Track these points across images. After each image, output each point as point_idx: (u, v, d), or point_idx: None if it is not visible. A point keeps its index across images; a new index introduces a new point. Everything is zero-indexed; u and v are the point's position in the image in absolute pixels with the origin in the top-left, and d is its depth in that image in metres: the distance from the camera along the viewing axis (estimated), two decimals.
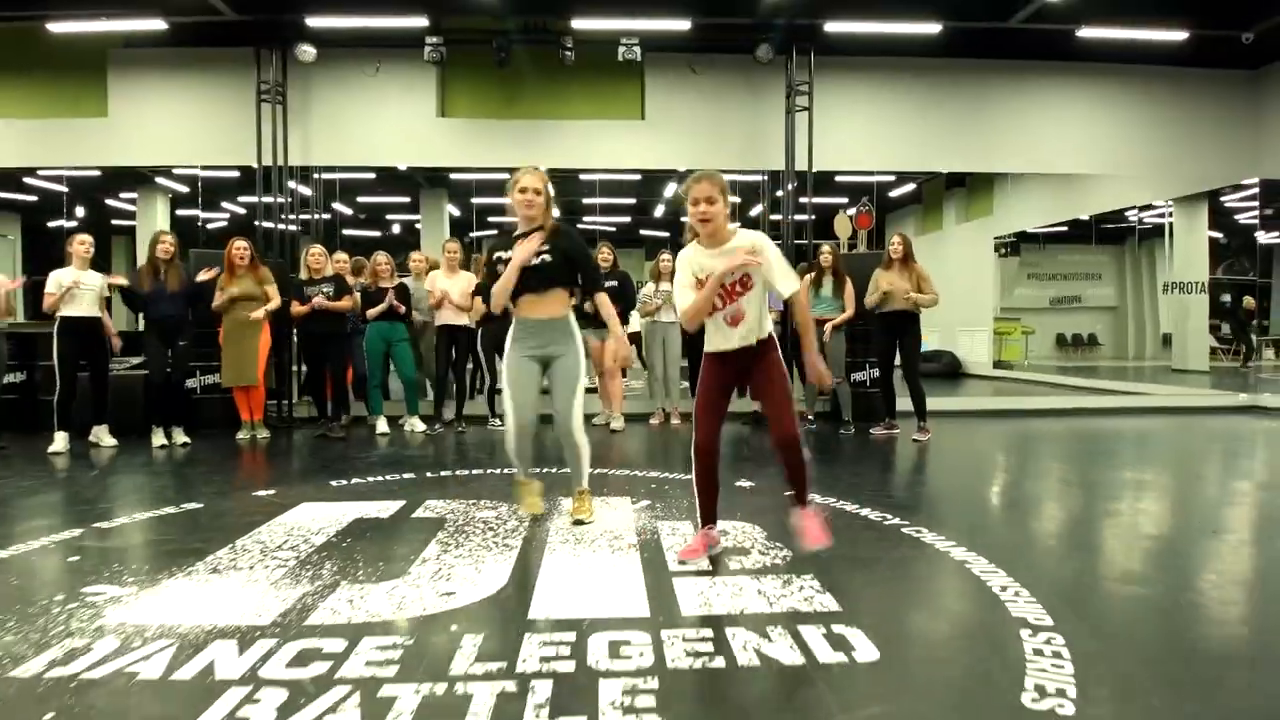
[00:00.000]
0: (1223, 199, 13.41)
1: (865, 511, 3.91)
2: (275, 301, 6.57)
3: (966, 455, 6.19)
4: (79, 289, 5.97)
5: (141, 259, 9.57)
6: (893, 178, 13.58)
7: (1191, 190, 11.19)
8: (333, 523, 3.72)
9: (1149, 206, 13.80)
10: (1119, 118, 8.78)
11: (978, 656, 2.24)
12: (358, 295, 6.81)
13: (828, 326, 6.68)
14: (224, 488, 4.69)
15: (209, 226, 13.56)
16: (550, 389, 3.66)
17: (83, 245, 6.13)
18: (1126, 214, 14.55)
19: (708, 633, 2.35)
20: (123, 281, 6.34)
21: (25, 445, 6.12)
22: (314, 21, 7.37)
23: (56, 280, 5.98)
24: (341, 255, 7.59)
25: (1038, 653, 2.20)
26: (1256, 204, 11.17)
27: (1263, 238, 16.31)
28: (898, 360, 6.51)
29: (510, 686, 2.01)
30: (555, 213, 3.65)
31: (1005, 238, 14.88)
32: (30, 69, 8.21)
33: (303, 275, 6.80)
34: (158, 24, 7.33)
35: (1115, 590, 2.88)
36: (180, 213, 13.52)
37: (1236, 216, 15.00)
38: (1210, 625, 2.55)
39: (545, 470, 4.79)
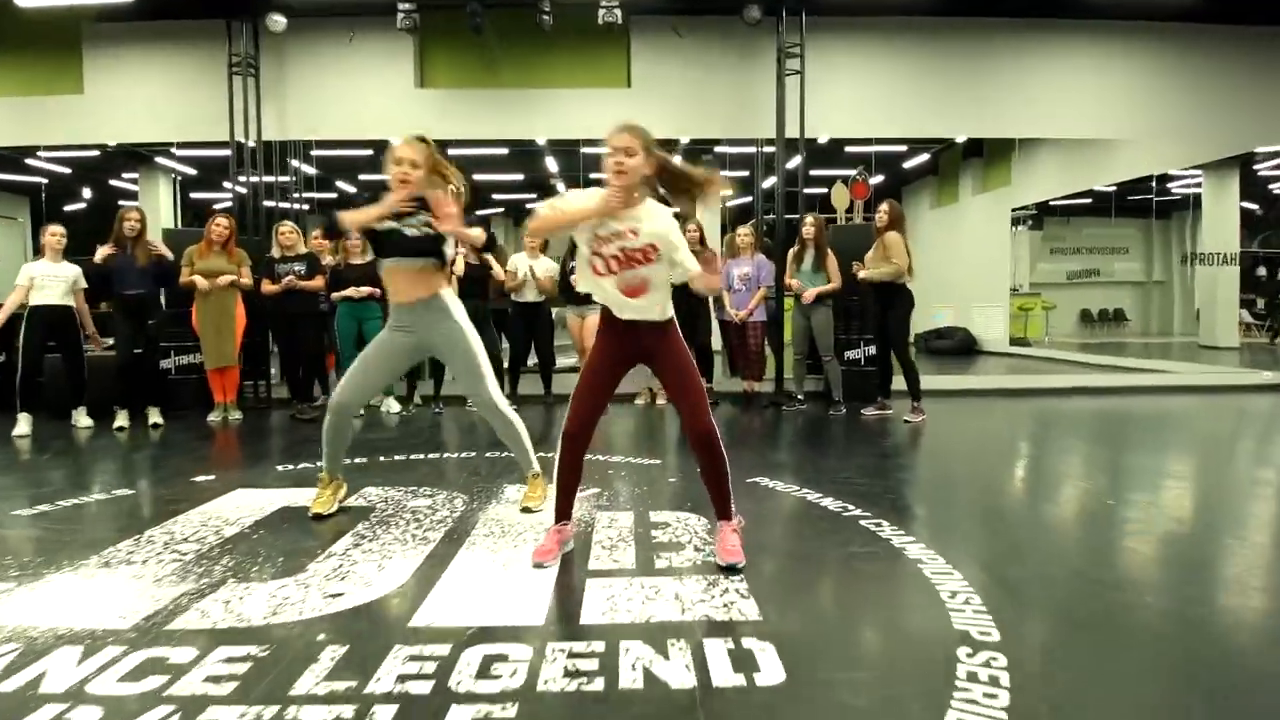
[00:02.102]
0: (1255, 167, 12.76)
1: (826, 501, 3.61)
2: (246, 282, 6.40)
3: (959, 439, 5.84)
4: (44, 280, 5.90)
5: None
6: (905, 148, 13.11)
7: (1218, 156, 10.61)
8: (255, 512, 3.50)
9: (1167, 177, 13.19)
10: (1137, 79, 8.24)
11: (899, 676, 1.95)
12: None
13: (809, 294, 6.36)
14: (164, 473, 4.51)
15: (215, 207, 13.47)
16: (452, 373, 3.41)
17: (54, 237, 6.07)
18: (1156, 184, 13.98)
19: (599, 645, 2.09)
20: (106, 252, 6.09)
21: None
22: None
23: (26, 273, 5.93)
24: (318, 232, 7.37)
25: (971, 677, 1.91)
26: None
27: None
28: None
29: (347, 713, 1.77)
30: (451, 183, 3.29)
31: (1026, 209, 14.37)
32: (4, 47, 8.05)
33: (274, 252, 6.59)
34: None
35: (1091, 605, 2.56)
36: (195, 196, 13.49)
37: (1271, 186, 14.30)
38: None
39: (496, 455, 4.56)
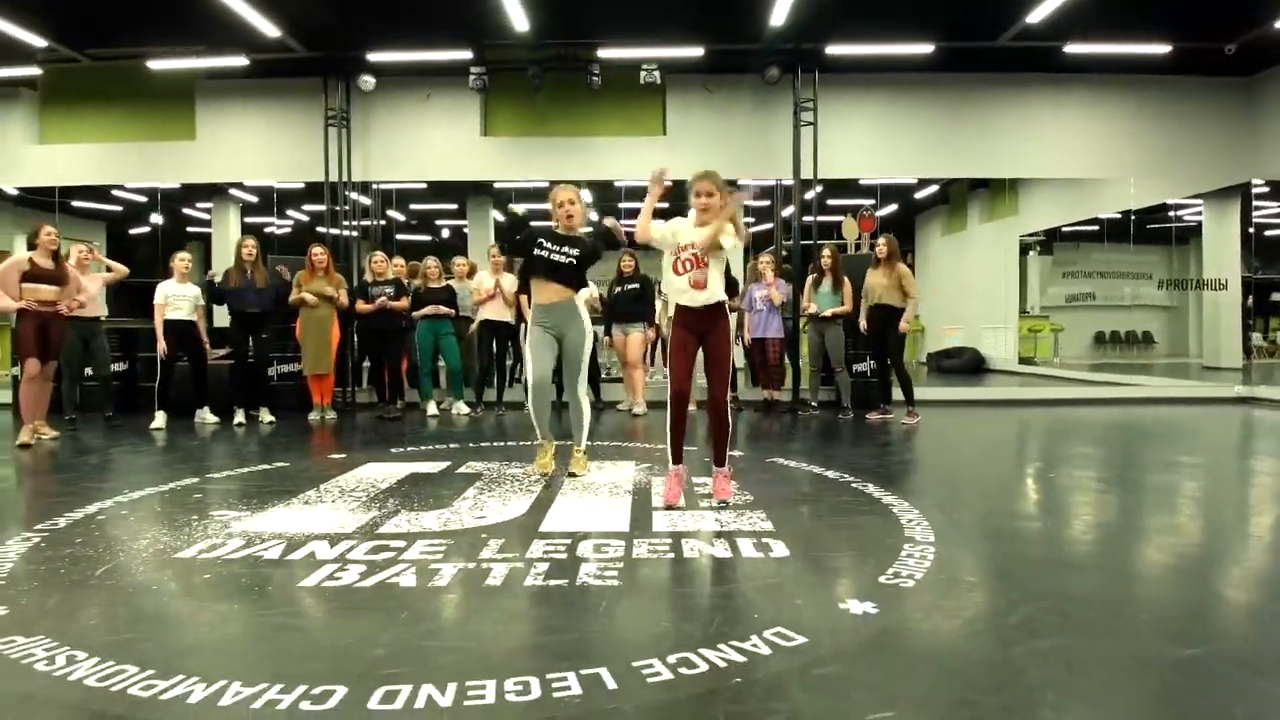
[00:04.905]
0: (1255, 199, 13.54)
1: (830, 473, 4.68)
2: (343, 302, 7.58)
3: (944, 435, 6.85)
4: (175, 299, 7.10)
5: (215, 262, 10.80)
6: (915, 180, 14.19)
7: (1197, 190, 11.54)
8: (392, 476, 4.64)
9: (1163, 206, 14.01)
10: (1117, 124, 9.31)
11: (862, 555, 3.03)
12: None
13: (814, 308, 7.43)
14: (303, 453, 5.69)
15: (278, 233, 14.85)
16: (561, 363, 4.53)
17: (183, 262, 7.25)
18: (1168, 212, 14.71)
19: (668, 541, 3.19)
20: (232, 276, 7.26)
21: (128, 424, 7.21)
22: (374, 56, 8.43)
23: (162, 291, 7.11)
24: (400, 260, 8.58)
25: (909, 556, 2.98)
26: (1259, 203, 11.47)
27: None
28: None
29: (520, 565, 2.88)
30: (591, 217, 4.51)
31: (1035, 235, 15.21)
32: (129, 98, 9.42)
33: (367, 278, 7.80)
34: (240, 61, 8.44)
35: (1002, 527, 3.63)
36: (249, 220, 14.86)
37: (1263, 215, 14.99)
38: (1071, 562, 3.30)
39: (565, 444, 5.68)
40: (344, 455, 5.44)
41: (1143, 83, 9.22)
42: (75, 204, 14.68)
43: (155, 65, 8.77)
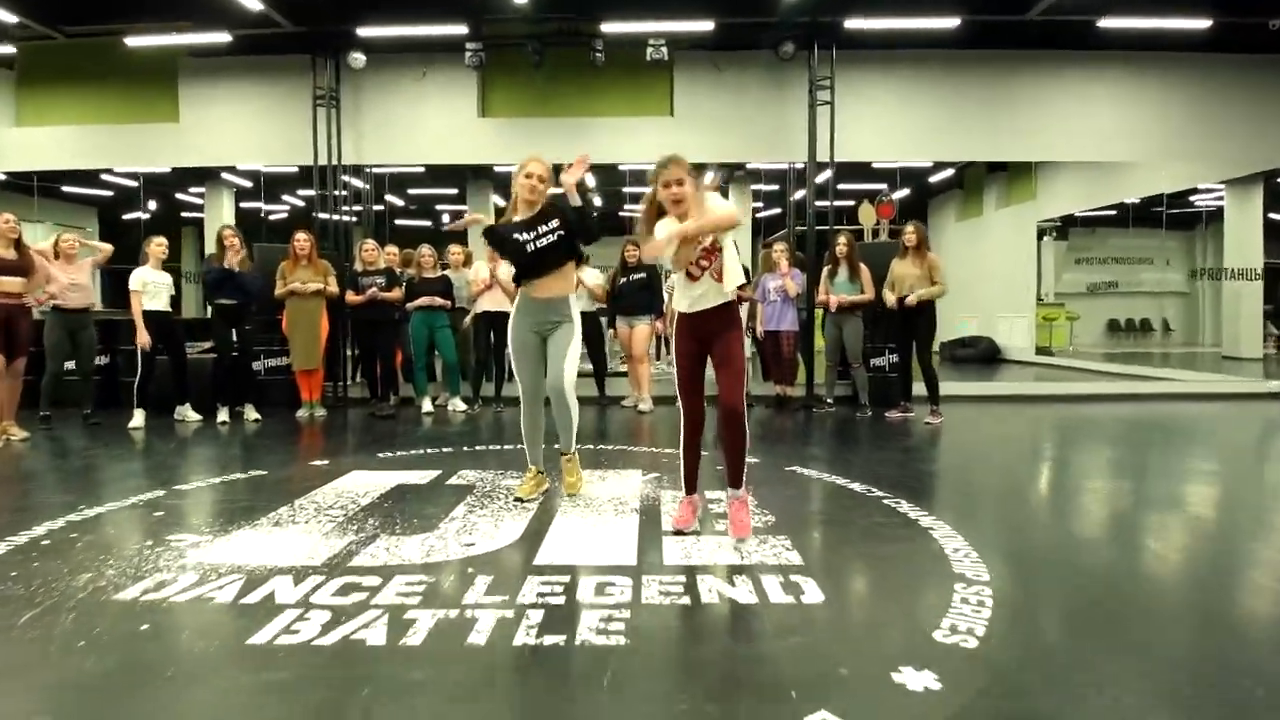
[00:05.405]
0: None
1: (856, 486, 4.25)
2: (333, 291, 7.14)
3: (970, 437, 6.42)
4: (153, 286, 6.63)
5: (209, 249, 10.34)
6: (930, 163, 13.67)
7: (1227, 176, 11.03)
8: (377, 488, 4.23)
9: (1182, 191, 13.49)
10: (1150, 105, 8.79)
11: (909, 600, 2.61)
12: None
13: (833, 301, 6.96)
14: (285, 458, 5.28)
15: (270, 218, 14.45)
16: (547, 356, 3.90)
17: (159, 247, 6.78)
18: (1191, 198, 14.22)
19: (681, 578, 2.77)
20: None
21: (108, 420, 6.81)
22: (364, 31, 7.94)
23: (139, 278, 6.64)
24: (392, 248, 8.15)
25: (964, 600, 2.56)
26: None
27: None
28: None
29: (509, 614, 2.46)
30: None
31: (1052, 221, 14.71)
32: (108, 78, 8.95)
33: (357, 267, 7.37)
34: (223, 36, 7.97)
35: (1058, 558, 3.21)
36: (243, 205, 14.45)
37: None
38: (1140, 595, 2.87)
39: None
40: (327, 462, 5.03)
41: (1176, 61, 8.69)
42: (66, 189, 14.31)
43: (134, 42, 8.30)
